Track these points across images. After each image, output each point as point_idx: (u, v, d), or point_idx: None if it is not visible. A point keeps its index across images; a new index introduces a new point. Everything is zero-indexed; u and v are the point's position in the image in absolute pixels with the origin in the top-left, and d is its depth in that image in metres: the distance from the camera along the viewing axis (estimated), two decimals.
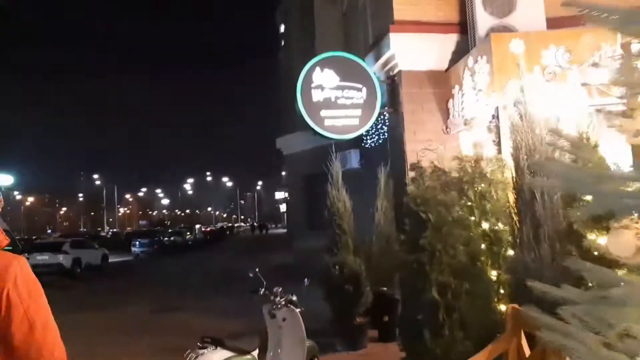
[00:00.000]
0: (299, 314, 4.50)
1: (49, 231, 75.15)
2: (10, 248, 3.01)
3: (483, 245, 3.91)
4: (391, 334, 6.47)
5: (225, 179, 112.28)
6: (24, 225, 78.46)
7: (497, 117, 5.11)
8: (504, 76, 5.77)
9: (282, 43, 27.72)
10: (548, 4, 6.66)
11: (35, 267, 15.57)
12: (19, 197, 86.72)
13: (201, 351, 3.81)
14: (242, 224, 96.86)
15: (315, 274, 9.17)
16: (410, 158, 7.09)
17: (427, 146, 6.79)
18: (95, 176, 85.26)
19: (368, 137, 11.16)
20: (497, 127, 4.92)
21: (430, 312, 3.47)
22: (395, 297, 6.63)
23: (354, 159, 12.63)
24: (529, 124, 3.47)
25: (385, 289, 6.71)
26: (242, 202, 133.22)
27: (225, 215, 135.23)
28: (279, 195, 60.00)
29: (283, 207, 56.23)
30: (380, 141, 10.28)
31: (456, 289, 3.40)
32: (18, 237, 35.04)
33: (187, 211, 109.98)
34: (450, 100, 7.15)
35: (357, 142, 11.40)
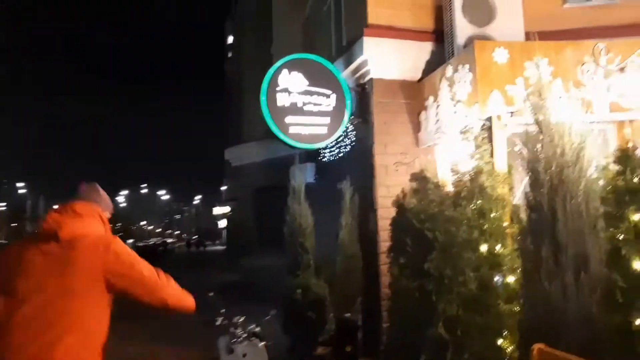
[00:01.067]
0: (264, 348, 3.76)
1: None
2: None
3: None
4: None
5: (161, 192, 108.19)
6: None
7: (490, 128, 4.67)
8: (488, 85, 5.39)
9: (230, 54, 27.02)
10: (527, 18, 6.43)
11: None
12: None
13: None
14: (176, 239, 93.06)
15: (267, 293, 8.48)
16: (380, 172, 6.57)
17: (400, 159, 6.28)
18: (20, 184, 79.32)
19: (326, 150, 10.59)
20: (489, 138, 4.46)
21: (436, 351, 2.85)
22: (358, 324, 6.00)
23: (309, 173, 12.02)
24: (549, 133, 2.98)
25: (348, 314, 6.06)
26: (179, 216, 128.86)
27: (159, 230, 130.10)
28: (218, 210, 58.16)
29: (222, 223, 54.46)
30: (340, 154, 9.73)
31: (467, 324, 2.81)
32: None
33: (119, 224, 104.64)
34: (423, 112, 6.71)
35: (313, 155, 10.81)
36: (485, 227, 3.30)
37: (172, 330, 8.54)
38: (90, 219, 2.25)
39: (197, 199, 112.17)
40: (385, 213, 6.41)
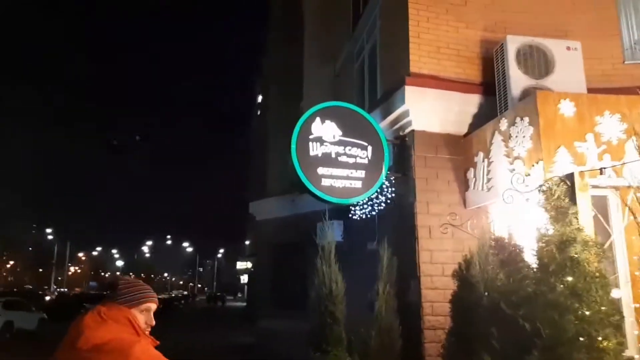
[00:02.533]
0: None
1: None
2: None
3: None
4: None
5: (185, 244, 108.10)
6: None
7: (572, 185, 3.95)
8: (553, 141, 4.74)
9: (259, 112, 27.30)
10: (586, 74, 5.85)
11: None
12: None
13: None
14: (196, 293, 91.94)
15: None
16: (422, 234, 5.86)
17: (447, 220, 5.57)
18: (49, 230, 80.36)
19: (357, 207, 9.94)
20: (570, 198, 3.72)
21: None
22: None
23: (336, 232, 11.32)
24: None
25: None
26: (201, 269, 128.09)
27: (182, 283, 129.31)
28: (241, 265, 57.33)
29: (244, 279, 53.60)
30: (374, 212, 9.05)
31: None
32: None
33: (142, 275, 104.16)
34: (471, 169, 6.06)
35: (341, 211, 10.17)
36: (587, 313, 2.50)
37: None
38: (114, 325, 2.05)
39: (221, 253, 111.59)
40: (429, 282, 5.66)
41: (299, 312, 12.59)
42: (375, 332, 5.53)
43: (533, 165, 4.78)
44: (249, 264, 38.22)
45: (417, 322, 5.58)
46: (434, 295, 5.61)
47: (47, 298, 36.37)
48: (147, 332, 2.17)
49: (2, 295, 24.43)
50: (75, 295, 38.34)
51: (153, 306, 2.23)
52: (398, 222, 6.51)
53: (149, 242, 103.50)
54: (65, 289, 62.86)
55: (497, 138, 5.48)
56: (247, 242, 48.30)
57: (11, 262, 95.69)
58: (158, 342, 2.20)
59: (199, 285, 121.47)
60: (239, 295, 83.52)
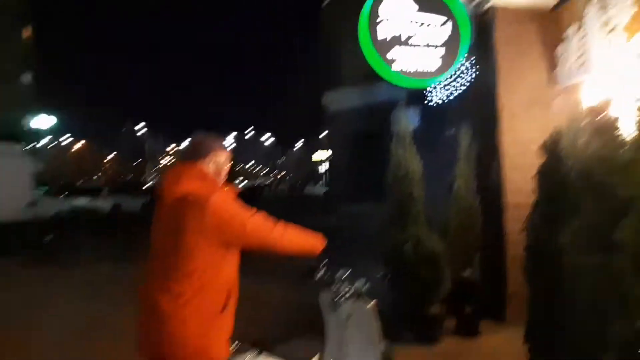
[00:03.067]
0: (372, 310, 3.34)
1: (95, 177, 77.08)
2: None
3: None
4: (473, 327, 5.29)
5: (266, 135, 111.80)
6: (72, 170, 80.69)
7: None
8: None
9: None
10: None
11: (74, 211, 15.27)
12: (67, 141, 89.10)
13: (238, 357, 2.71)
14: (277, 183, 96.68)
15: (367, 242, 8.10)
16: (505, 115, 5.70)
17: (535, 99, 5.35)
18: (140, 126, 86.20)
19: (434, 92, 9.68)
20: None
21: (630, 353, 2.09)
22: (477, 283, 5.41)
23: (413, 118, 11.20)
24: None
25: (466, 274, 5.47)
26: (281, 160, 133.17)
27: (263, 173, 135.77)
28: (320, 155, 58.74)
29: (323, 168, 55.18)
30: (452, 96, 8.80)
31: None
32: (64, 182, 35.61)
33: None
34: (561, 45, 5.64)
35: (418, 97, 9.95)
36: None
37: (268, 281, 8.50)
38: (190, 179, 2.29)
39: (300, 143, 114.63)
40: (511, 162, 5.61)
41: (377, 196, 13.11)
42: (454, 211, 5.70)
43: (635, 34, 4.36)
44: (327, 153, 39.22)
45: (497, 201, 5.65)
46: (516, 175, 5.57)
47: (145, 187, 40.18)
48: (221, 181, 2.42)
49: (107, 183, 27.39)
50: None
51: (221, 156, 2.45)
52: (479, 103, 6.33)
53: (233, 133, 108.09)
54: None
55: (593, 7, 4.98)
56: (325, 132, 49.06)
57: (110, 156, 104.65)
58: (239, 189, 2.51)
59: (280, 176, 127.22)
60: (320, 184, 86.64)
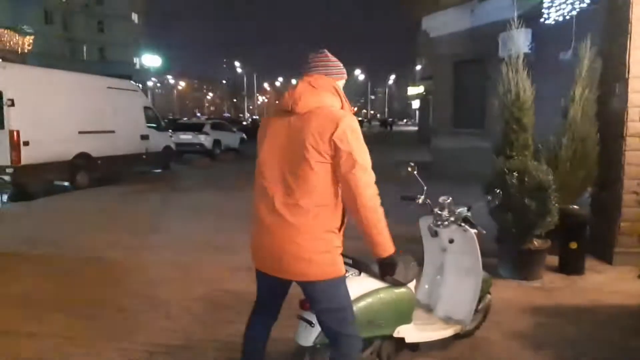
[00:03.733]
0: (475, 237, 3.17)
1: (198, 114, 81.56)
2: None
3: None
4: (578, 265, 4.93)
5: (357, 72, 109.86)
6: (176, 108, 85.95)
7: None
8: None
9: None
10: None
11: (179, 146, 16.32)
12: (172, 81, 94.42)
13: None
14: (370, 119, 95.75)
15: (467, 176, 7.77)
16: (637, 29, 4.93)
17: None
18: (237, 64, 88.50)
19: (552, 8, 8.68)
20: None
21: None
22: (586, 218, 4.97)
23: (523, 42, 10.20)
24: None
25: (575, 207, 5.04)
26: (373, 97, 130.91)
27: (355, 109, 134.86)
28: (412, 90, 56.77)
29: (415, 104, 53.52)
30: (572, 12, 7.84)
31: None
32: (170, 118, 38.06)
33: None
34: None
35: (530, 19, 8.97)
36: None
37: None
38: (324, 92, 2.24)
39: (392, 79, 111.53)
40: (639, 85, 4.91)
41: (477, 130, 12.42)
42: (567, 139, 5.18)
43: None
44: (420, 89, 37.69)
45: (619, 129, 5.03)
46: None
47: (244, 123, 41.79)
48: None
49: (209, 119, 28.76)
50: None
51: (342, 84, 2.38)
52: (604, 18, 5.53)
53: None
54: (257, 116, 71.06)
55: None
56: (417, 67, 47.02)
57: (210, 94, 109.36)
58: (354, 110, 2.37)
59: (372, 112, 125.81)
60: (411, 121, 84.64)
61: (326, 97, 2.23)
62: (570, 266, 4.93)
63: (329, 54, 2.38)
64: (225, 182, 12.39)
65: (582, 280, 4.82)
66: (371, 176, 2.14)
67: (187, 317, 4.01)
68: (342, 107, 2.27)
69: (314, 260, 2.17)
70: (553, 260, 5.09)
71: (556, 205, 4.62)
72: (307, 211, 2.15)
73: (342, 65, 2.38)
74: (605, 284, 4.69)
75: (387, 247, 2.20)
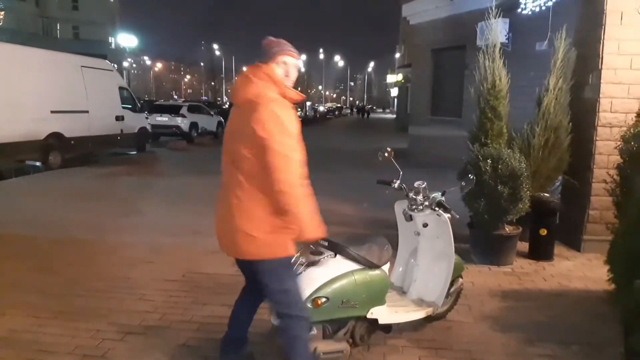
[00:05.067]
0: (448, 221, 3.23)
1: (175, 97, 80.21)
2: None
3: None
4: (547, 251, 5.08)
5: (337, 58, 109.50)
6: (153, 89, 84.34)
7: None
8: None
9: None
10: None
11: (155, 128, 16.07)
12: (148, 62, 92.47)
13: (315, 257, 2.75)
14: (349, 106, 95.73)
15: (443, 163, 7.91)
16: (611, 20, 5.04)
17: None
18: (215, 46, 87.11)
19: (526, 1, 8.77)
20: None
21: None
22: (557, 205, 5.11)
23: (500, 31, 10.28)
24: None
25: (546, 194, 5.17)
26: (352, 83, 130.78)
27: (334, 96, 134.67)
28: (391, 78, 56.97)
29: (394, 92, 53.81)
30: (543, 6, 7.94)
31: None
32: (147, 99, 37.36)
33: (299, 88, 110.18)
34: None
35: (507, 9, 9.05)
36: None
37: (343, 187, 8.69)
38: (259, 81, 2.31)
39: (371, 67, 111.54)
40: (612, 76, 5.04)
41: (454, 119, 12.55)
42: (540, 128, 5.29)
43: None
44: (399, 77, 37.87)
45: (590, 119, 5.16)
46: (616, 91, 5.02)
47: (223, 107, 41.29)
48: (289, 84, 2.39)
49: (186, 102, 28.35)
50: None
51: (290, 59, 2.42)
52: (580, 10, 5.64)
53: (303, 56, 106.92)
54: None
55: None
56: (397, 55, 47.19)
57: (188, 77, 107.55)
58: (303, 96, 2.47)
59: (351, 99, 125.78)
60: (388, 109, 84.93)
61: (261, 87, 2.29)
62: (540, 252, 5.08)
63: (271, 39, 2.45)
64: (201, 165, 12.25)
65: (551, 266, 4.96)
66: (290, 163, 2.16)
67: (162, 298, 4.00)
68: (281, 93, 2.31)
69: (259, 240, 2.28)
70: (524, 246, 5.24)
71: (528, 192, 4.74)
72: (250, 195, 2.27)
73: (282, 44, 2.42)
74: (573, 270, 4.84)
75: (307, 231, 2.24)
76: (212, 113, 23.89)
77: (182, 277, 4.47)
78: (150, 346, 3.19)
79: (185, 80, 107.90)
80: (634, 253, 3.07)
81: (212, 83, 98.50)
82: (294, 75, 2.45)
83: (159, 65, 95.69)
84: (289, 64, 2.42)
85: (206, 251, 5.11)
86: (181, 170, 11.73)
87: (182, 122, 19.96)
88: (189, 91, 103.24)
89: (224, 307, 3.68)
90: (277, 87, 2.31)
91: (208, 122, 22.36)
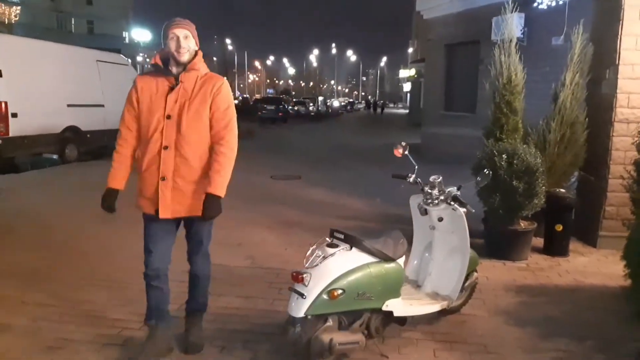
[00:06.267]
0: (463, 215, 3.24)
1: None
2: None
3: None
4: (562, 247, 5.06)
5: (349, 53, 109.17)
6: None
7: None
8: None
9: None
10: None
11: None
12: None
13: (330, 250, 2.77)
14: (360, 101, 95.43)
15: (457, 159, 7.87)
16: (629, 15, 4.98)
17: None
18: (228, 41, 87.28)
19: None
20: None
21: None
22: (572, 201, 5.08)
23: (515, 26, 10.18)
24: None
25: (562, 190, 5.14)
26: (364, 78, 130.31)
27: (347, 91, 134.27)
28: (404, 73, 56.66)
29: (406, 87, 53.49)
30: (559, 0, 7.87)
31: None
32: None
33: (311, 84, 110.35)
34: None
35: (523, 3, 8.98)
36: None
37: (358, 180, 8.71)
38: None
39: (384, 61, 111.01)
40: (630, 71, 4.99)
41: (468, 114, 12.46)
42: (556, 124, 5.25)
43: None
44: (412, 72, 37.63)
45: (607, 114, 5.11)
46: (633, 86, 4.98)
47: (235, 101, 41.43)
48: (180, 53, 2.75)
49: None
50: (256, 100, 43.21)
51: (177, 32, 2.73)
52: (597, 5, 5.58)
53: (316, 51, 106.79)
54: (247, 95, 70.44)
55: None
56: (410, 50, 46.88)
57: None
58: (174, 82, 2.86)
59: (363, 94, 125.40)
60: (401, 104, 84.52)
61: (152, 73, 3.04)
62: (555, 248, 5.06)
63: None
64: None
65: (566, 261, 4.94)
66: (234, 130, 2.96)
67: (179, 289, 4.05)
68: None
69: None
70: (538, 241, 5.22)
71: (543, 187, 4.72)
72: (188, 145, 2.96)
73: (171, 20, 2.79)
74: (589, 266, 4.82)
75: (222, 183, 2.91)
76: None
77: None
78: (167, 336, 3.24)
79: None
80: None
81: (225, 77, 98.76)
82: (178, 47, 2.76)
83: None
84: (176, 36, 2.75)
85: (221, 243, 5.15)
86: None
87: None
88: None
89: (239, 298, 3.73)
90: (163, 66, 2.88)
91: None
